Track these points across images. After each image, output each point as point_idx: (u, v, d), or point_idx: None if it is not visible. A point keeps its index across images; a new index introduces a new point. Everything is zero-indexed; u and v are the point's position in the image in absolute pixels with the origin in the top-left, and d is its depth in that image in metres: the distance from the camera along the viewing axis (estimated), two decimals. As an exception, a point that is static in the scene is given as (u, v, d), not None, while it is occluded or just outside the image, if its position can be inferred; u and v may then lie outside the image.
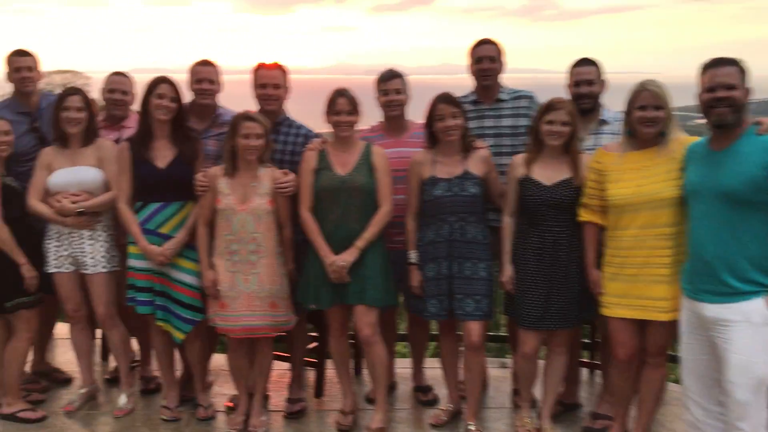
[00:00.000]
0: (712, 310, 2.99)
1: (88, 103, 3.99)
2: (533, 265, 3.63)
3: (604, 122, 3.90)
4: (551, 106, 3.55)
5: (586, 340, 4.67)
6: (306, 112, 4.35)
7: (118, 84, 4.32)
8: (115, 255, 4.09)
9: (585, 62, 3.90)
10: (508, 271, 3.73)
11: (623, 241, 3.37)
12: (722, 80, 2.92)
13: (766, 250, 2.90)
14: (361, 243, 3.71)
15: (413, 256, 3.85)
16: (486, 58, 4.07)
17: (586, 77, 3.87)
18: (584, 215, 3.54)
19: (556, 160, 3.61)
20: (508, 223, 3.78)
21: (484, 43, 4.10)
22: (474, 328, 3.74)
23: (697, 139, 3.22)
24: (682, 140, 3.27)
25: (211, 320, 3.85)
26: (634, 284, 3.36)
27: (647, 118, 3.27)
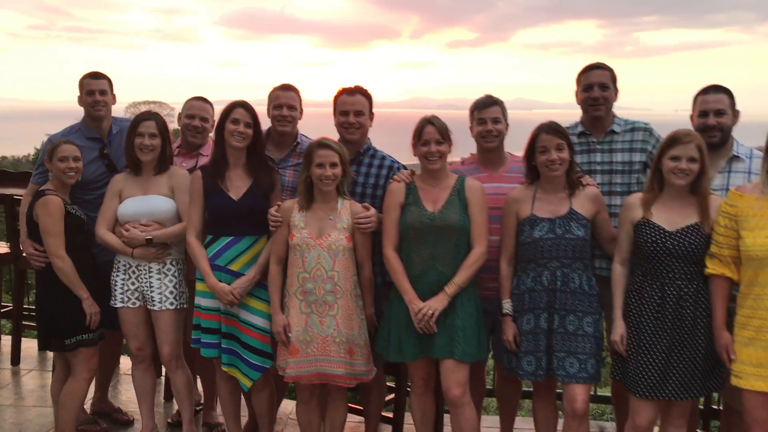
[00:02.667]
0: None
1: (164, 130, 3.75)
2: (651, 323, 3.12)
3: (736, 158, 3.39)
4: (677, 140, 3.07)
5: (700, 406, 4.09)
6: (380, 145, 3.99)
7: (198, 110, 4.07)
8: (184, 291, 3.80)
9: (714, 89, 3.41)
10: (620, 329, 3.23)
11: (763, 301, 2.85)
12: None
13: None
14: (451, 289, 3.28)
15: (507, 305, 3.41)
16: (597, 85, 3.62)
17: (714, 106, 3.37)
18: (713, 267, 3.03)
19: (680, 202, 3.12)
20: (619, 272, 3.29)
21: (595, 68, 3.65)
22: (578, 393, 3.24)
23: None
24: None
25: (281, 369, 3.49)
26: None
27: None
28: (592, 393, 4.41)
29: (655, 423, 3.27)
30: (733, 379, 2.96)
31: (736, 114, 3.43)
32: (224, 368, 3.66)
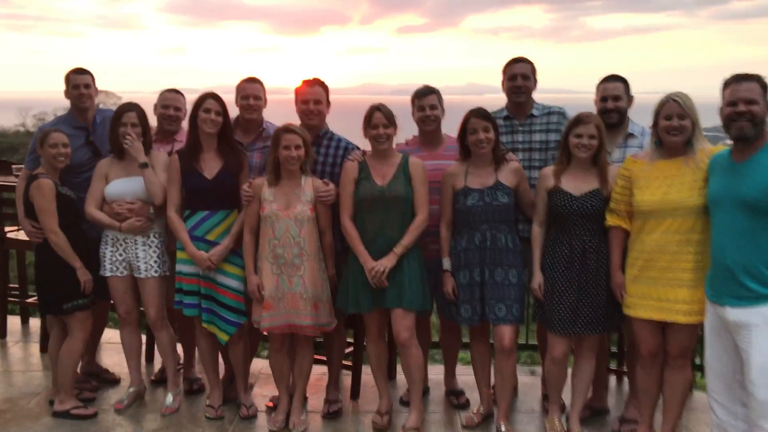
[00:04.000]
0: (734, 313, 3.13)
1: (143, 118, 4.25)
2: (563, 272, 3.80)
3: (631, 136, 4.08)
4: (580, 121, 3.74)
5: (614, 349, 4.80)
6: (334, 130, 4.52)
7: (171, 101, 4.58)
8: (166, 261, 4.32)
9: (612, 78, 4.08)
10: (538, 278, 3.90)
11: (647, 245, 3.53)
12: (743, 95, 3.09)
13: None
14: (399, 249, 3.90)
15: (447, 263, 4.04)
16: (519, 76, 4.26)
17: (612, 93, 4.04)
18: (611, 220, 3.71)
19: (584, 171, 3.79)
20: (537, 232, 3.95)
21: (518, 61, 4.29)
22: (506, 332, 3.90)
23: (721, 149, 3.38)
24: (707, 151, 3.43)
25: (256, 323, 4.06)
26: (655, 287, 3.52)
27: (673, 126, 3.44)
28: (523, 342, 5.15)
29: (568, 355, 3.97)
30: (624, 309, 3.66)
31: (630, 99, 4.11)
32: (204, 325, 4.20)
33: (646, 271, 3.55)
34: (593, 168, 3.78)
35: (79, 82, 4.49)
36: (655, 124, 3.54)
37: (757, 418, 3.10)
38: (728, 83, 3.17)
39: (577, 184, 3.78)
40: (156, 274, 4.27)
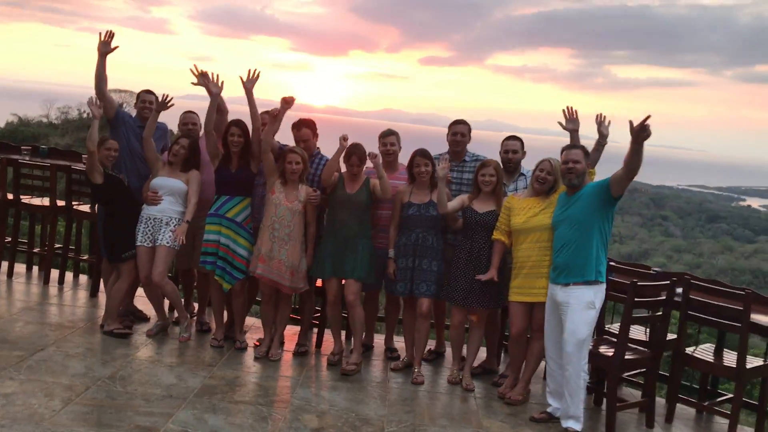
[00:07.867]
0: (560, 295, 4.88)
1: (194, 146, 6.01)
2: (464, 263, 5.55)
3: (522, 176, 5.87)
4: (484, 165, 5.53)
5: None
6: None
7: (189, 119, 6.38)
8: (177, 241, 5.91)
9: (512, 138, 5.93)
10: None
11: (521, 252, 5.28)
12: (571, 158, 4.88)
13: (591, 258, 4.77)
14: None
15: (392, 252, 5.79)
16: (459, 133, 6.06)
17: (512, 148, 5.87)
18: (495, 235, 5.45)
19: (487, 198, 5.56)
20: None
21: (459, 123, 6.09)
22: (424, 303, 5.65)
23: (564, 190, 5.10)
24: (559, 191, 5.18)
25: (252, 271, 5.78)
26: (527, 279, 5.24)
27: (541, 177, 5.20)
28: (449, 323, 6.87)
29: (464, 324, 5.71)
30: (509, 297, 5.36)
31: (524, 153, 5.92)
32: (216, 278, 5.94)
33: (522, 270, 5.28)
34: (493, 196, 5.55)
35: (146, 99, 6.33)
36: (533, 173, 5.30)
37: (565, 364, 4.83)
38: (564, 150, 4.98)
39: (481, 206, 5.55)
40: (167, 244, 5.92)
